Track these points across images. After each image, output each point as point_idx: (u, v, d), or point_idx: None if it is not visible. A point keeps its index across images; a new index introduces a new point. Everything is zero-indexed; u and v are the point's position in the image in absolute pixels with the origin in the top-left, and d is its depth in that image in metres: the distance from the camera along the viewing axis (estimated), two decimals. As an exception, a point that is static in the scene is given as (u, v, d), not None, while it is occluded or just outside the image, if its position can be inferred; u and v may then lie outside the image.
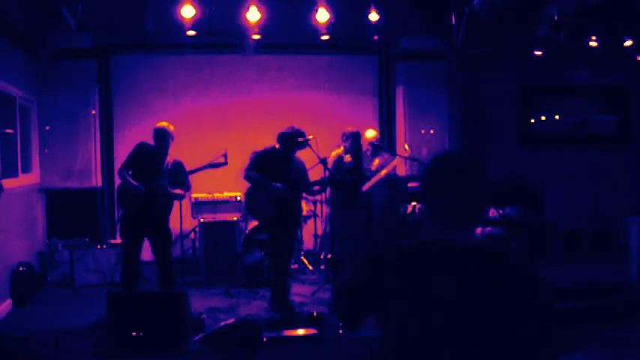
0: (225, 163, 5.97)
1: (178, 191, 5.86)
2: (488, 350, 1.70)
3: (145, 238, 5.85)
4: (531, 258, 7.37)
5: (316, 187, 6.27)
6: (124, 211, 5.86)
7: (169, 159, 5.85)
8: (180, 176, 5.89)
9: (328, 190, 6.85)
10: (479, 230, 5.78)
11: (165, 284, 5.76)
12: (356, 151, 6.76)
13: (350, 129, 6.84)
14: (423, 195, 1.88)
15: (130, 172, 5.78)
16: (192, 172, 6.24)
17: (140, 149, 5.89)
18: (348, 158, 6.76)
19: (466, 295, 1.72)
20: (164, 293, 5.42)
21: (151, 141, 5.86)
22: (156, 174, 5.72)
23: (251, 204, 6.05)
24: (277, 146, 6.05)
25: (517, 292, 1.74)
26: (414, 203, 7.41)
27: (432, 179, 1.86)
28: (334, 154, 6.87)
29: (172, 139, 5.86)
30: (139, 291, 6.08)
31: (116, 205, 6.28)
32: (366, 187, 6.79)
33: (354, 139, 6.76)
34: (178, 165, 5.91)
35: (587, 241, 8.70)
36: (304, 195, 6.50)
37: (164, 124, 5.87)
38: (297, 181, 6.05)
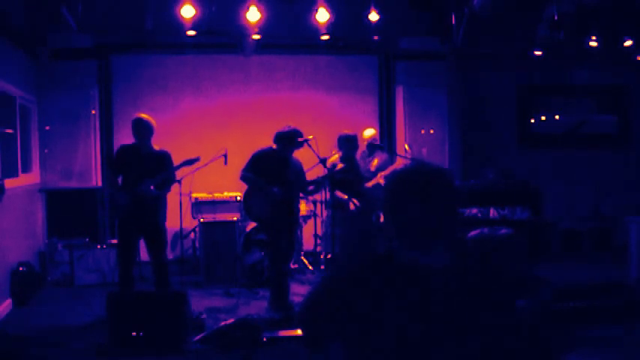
0: (198, 159, 5.92)
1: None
2: None
3: (142, 239, 5.84)
4: (531, 258, 7.37)
5: (311, 187, 6.23)
6: (117, 215, 5.88)
7: (156, 147, 5.78)
8: (165, 167, 5.75)
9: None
10: (477, 231, 5.62)
11: (159, 285, 5.76)
12: (350, 154, 6.43)
13: (345, 133, 6.49)
14: (387, 212, 1.66)
15: (120, 178, 5.78)
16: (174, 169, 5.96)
17: (122, 152, 5.87)
18: (339, 166, 6.36)
19: (432, 325, 1.52)
20: (164, 293, 5.43)
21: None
22: (143, 175, 5.64)
23: (249, 206, 6.03)
24: (274, 146, 6.02)
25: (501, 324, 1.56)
26: None
27: (396, 195, 1.64)
28: (332, 159, 6.64)
29: (152, 130, 5.73)
30: (139, 291, 6.09)
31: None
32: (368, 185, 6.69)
33: (349, 143, 6.41)
34: (164, 155, 5.80)
35: (587, 240, 8.69)
36: (301, 195, 6.45)
37: (143, 115, 5.77)
38: (294, 182, 6.03)
